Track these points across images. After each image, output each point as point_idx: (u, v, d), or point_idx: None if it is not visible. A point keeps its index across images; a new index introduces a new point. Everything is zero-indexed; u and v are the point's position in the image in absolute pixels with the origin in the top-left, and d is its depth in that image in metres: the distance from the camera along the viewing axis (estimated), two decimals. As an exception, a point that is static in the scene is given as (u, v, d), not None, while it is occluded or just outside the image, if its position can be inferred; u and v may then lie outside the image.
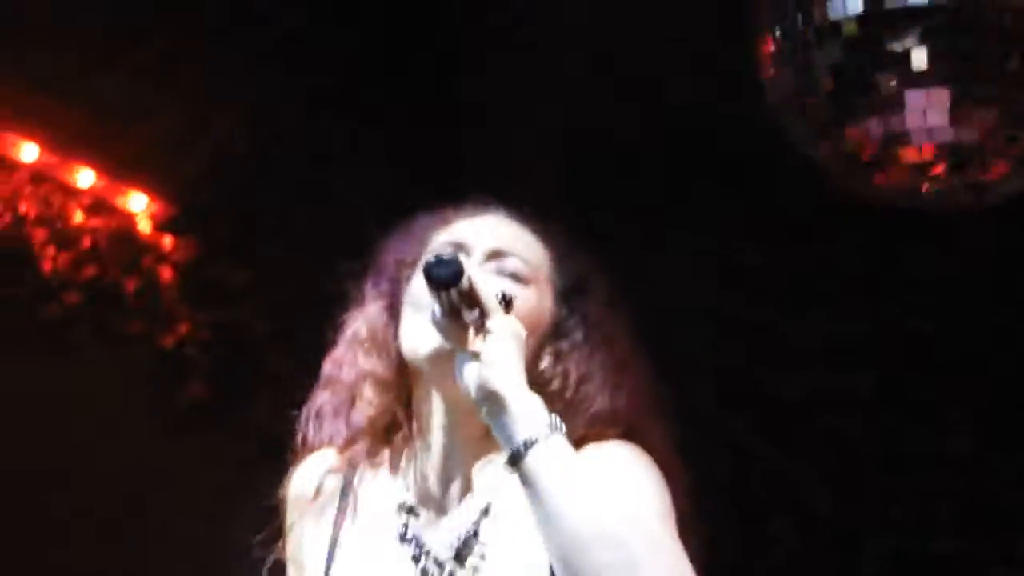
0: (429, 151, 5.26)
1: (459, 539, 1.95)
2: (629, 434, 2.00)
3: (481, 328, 1.84)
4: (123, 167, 5.40)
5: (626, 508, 1.75)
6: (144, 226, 5.45)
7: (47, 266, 5.11)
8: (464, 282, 1.83)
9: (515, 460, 1.76)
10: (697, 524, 2.00)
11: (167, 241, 5.47)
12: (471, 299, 1.84)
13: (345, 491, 2.08)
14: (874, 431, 5.31)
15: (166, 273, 5.43)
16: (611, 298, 2.15)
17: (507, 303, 1.89)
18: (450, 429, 1.99)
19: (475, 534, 1.95)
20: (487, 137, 5.29)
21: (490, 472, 1.97)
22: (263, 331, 5.31)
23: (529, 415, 1.78)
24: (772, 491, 5.35)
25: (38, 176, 5.21)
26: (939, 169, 3.47)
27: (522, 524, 1.84)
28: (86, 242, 5.26)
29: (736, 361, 5.36)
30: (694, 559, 1.87)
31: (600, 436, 1.98)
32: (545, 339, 2.04)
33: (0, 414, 5.05)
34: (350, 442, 2.07)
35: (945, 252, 5.12)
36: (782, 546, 5.33)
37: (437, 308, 1.87)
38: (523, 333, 1.88)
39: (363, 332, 2.10)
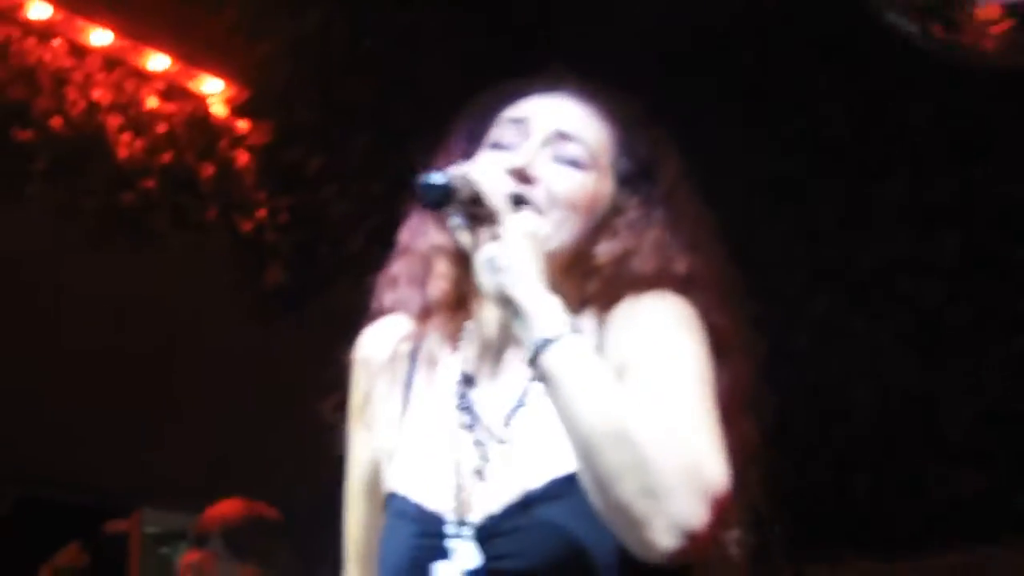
0: (511, 37, 5.22)
1: (509, 407, 1.96)
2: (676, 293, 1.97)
3: (494, 231, 1.84)
4: (197, 51, 5.39)
5: (648, 384, 1.78)
6: (219, 110, 5.44)
7: (122, 153, 5.11)
8: (462, 192, 1.84)
9: (532, 360, 1.80)
10: (764, 396, 2.00)
11: (242, 125, 5.46)
12: (480, 204, 1.85)
13: (415, 357, 2.09)
14: (958, 296, 5.27)
15: (242, 157, 5.43)
16: (678, 180, 2.10)
17: (519, 202, 1.88)
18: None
19: (524, 402, 1.95)
20: (578, 25, 5.24)
21: None
22: (341, 214, 5.29)
23: (544, 316, 1.80)
24: (852, 359, 5.33)
25: (111, 61, 5.19)
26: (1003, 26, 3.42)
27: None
28: (161, 128, 5.25)
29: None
30: (748, 432, 1.93)
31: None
32: (602, 219, 2.02)
33: (83, 302, 5.11)
34: (424, 311, 2.07)
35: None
36: (862, 413, 5.32)
37: (451, 213, 1.88)
38: (540, 230, 1.88)
39: None
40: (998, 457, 5.22)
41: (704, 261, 2.04)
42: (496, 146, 2.02)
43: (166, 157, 5.24)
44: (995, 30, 3.46)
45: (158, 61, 5.31)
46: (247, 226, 5.40)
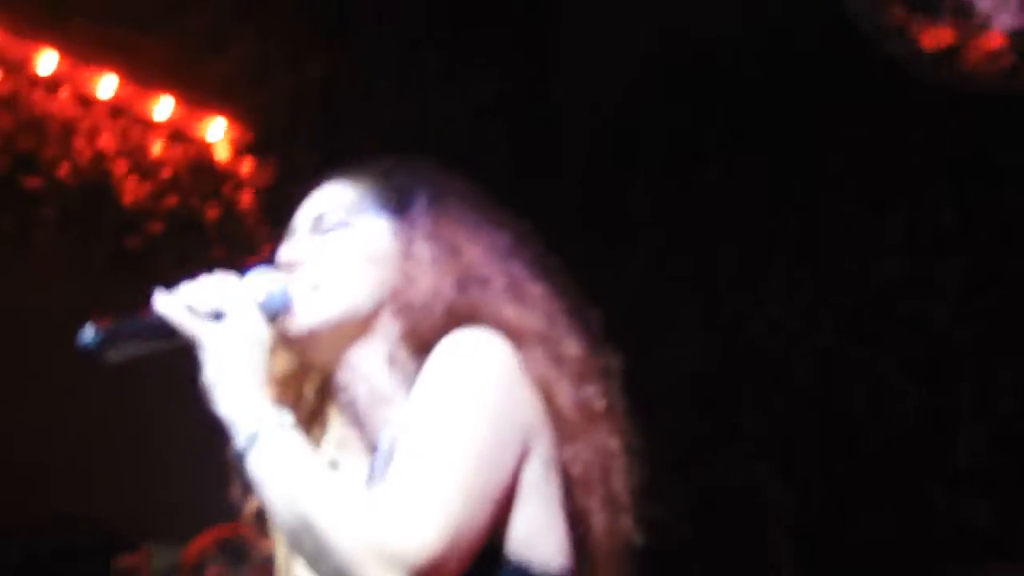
0: (514, 78, 5.29)
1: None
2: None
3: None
4: (200, 93, 5.43)
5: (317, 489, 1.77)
6: (222, 153, 5.49)
7: (128, 198, 5.16)
8: (139, 338, 1.91)
9: (239, 465, 1.85)
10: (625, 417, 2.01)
11: (245, 167, 5.51)
12: (174, 331, 1.90)
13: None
14: (964, 318, 5.28)
15: (246, 198, 5.48)
16: (443, 200, 2.09)
17: (216, 318, 1.90)
18: None
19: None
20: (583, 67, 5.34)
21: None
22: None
23: (239, 423, 1.83)
24: (858, 386, 5.34)
25: (117, 110, 5.25)
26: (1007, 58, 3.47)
27: None
28: (166, 172, 5.31)
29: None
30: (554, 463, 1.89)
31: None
32: (395, 259, 2.02)
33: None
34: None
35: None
36: (868, 440, 5.32)
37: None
38: (235, 338, 1.89)
39: None
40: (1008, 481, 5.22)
41: (495, 276, 2.01)
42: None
43: (171, 201, 5.29)
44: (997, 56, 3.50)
45: (163, 106, 5.36)
46: (252, 265, 5.42)
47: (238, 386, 1.86)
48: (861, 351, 5.36)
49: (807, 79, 5.24)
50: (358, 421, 2.04)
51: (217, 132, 5.50)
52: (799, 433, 5.40)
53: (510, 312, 1.97)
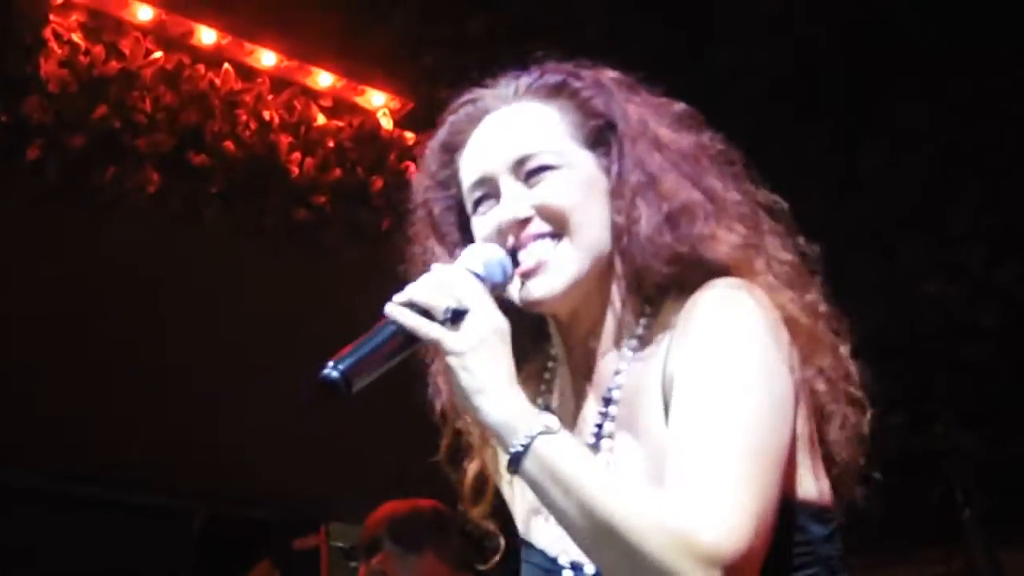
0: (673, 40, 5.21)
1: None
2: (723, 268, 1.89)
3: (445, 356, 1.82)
4: (360, 66, 5.41)
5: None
6: (386, 123, 5.46)
7: (294, 171, 5.16)
8: (378, 356, 1.82)
9: (513, 471, 1.77)
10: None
11: (409, 136, 5.48)
12: (416, 340, 1.82)
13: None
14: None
15: (412, 168, 5.45)
16: (642, 119, 2.00)
17: (456, 317, 1.80)
18: None
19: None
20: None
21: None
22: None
23: (509, 429, 1.75)
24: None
25: (279, 82, 5.25)
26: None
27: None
28: (330, 144, 5.29)
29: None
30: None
31: (690, 276, 1.89)
32: (608, 194, 1.96)
33: (262, 319, 5.17)
34: None
35: None
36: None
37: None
38: (482, 338, 1.80)
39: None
40: None
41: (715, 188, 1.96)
42: (479, 214, 2.00)
43: (337, 172, 5.27)
44: None
45: (323, 79, 5.35)
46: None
47: (501, 391, 1.78)
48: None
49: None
50: (587, 369, 1.97)
51: (379, 103, 5.47)
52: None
53: (725, 239, 1.90)
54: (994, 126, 5.27)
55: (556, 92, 2.02)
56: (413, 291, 1.83)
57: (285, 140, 5.14)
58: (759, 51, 5.35)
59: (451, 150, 2.08)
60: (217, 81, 5.01)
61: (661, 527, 1.63)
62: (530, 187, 1.95)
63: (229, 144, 4.98)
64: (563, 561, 1.92)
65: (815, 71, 5.37)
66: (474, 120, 2.06)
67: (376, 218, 5.32)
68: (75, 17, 4.74)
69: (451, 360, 1.79)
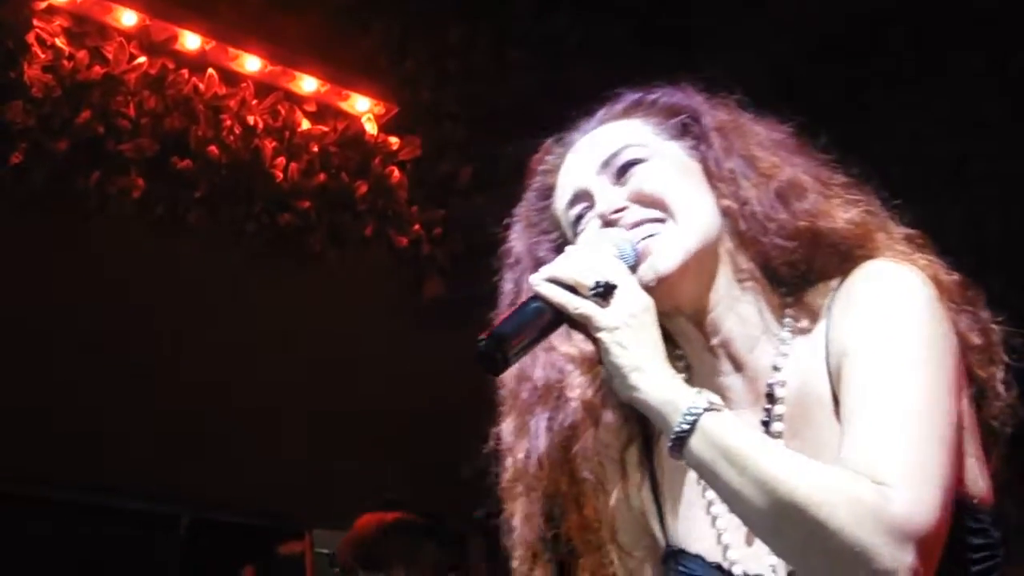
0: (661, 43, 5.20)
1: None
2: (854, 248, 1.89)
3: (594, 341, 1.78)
4: (344, 72, 5.42)
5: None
6: (370, 128, 5.46)
7: (279, 176, 5.15)
8: (528, 332, 1.78)
9: (676, 454, 1.73)
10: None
11: (393, 141, 5.48)
12: (569, 322, 1.79)
13: None
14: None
15: (395, 173, 5.45)
16: (727, 108, 2.04)
17: (605, 293, 1.78)
18: None
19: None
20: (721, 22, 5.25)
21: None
22: (496, 222, 5.26)
23: (670, 411, 1.71)
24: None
25: (263, 87, 5.24)
26: None
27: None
28: (314, 148, 5.29)
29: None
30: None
31: (823, 256, 1.89)
32: (704, 179, 1.97)
33: (246, 323, 5.16)
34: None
35: None
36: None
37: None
38: (633, 313, 1.77)
39: None
40: None
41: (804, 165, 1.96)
42: (580, 228, 1.99)
43: (321, 177, 5.27)
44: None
45: (308, 84, 5.35)
46: (403, 240, 5.42)
47: (659, 368, 1.75)
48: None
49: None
50: (737, 364, 1.94)
51: (363, 108, 5.47)
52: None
53: (841, 212, 1.90)
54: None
55: (634, 108, 2.06)
56: (556, 268, 1.81)
57: (269, 145, 5.14)
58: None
59: (546, 195, 2.09)
60: (201, 86, 5.01)
61: (850, 500, 1.59)
62: (622, 185, 1.96)
63: (213, 149, 4.98)
64: (725, 567, 1.88)
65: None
66: (561, 158, 2.08)
67: (360, 223, 5.33)
68: (59, 22, 4.74)
69: (603, 336, 1.75)
